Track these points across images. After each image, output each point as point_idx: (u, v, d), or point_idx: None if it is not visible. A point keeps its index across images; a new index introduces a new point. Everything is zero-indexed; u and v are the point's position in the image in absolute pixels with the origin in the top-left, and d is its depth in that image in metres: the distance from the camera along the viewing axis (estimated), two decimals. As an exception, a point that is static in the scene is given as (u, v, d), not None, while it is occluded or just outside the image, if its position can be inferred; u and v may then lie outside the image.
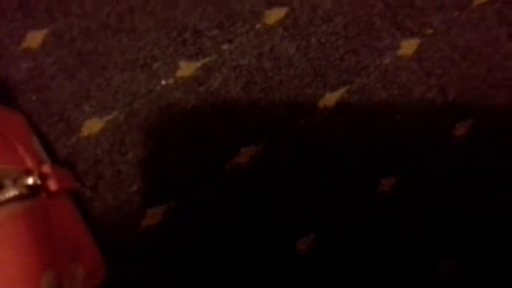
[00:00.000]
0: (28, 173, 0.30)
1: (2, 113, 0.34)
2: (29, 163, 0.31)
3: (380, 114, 0.41)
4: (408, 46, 0.43)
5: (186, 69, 0.39)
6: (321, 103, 0.41)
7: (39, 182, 0.30)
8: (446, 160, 0.42)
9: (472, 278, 0.40)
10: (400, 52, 0.43)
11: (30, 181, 0.30)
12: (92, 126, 0.37)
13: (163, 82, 0.39)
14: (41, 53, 0.38)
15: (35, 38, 0.38)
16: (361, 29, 0.42)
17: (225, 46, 0.40)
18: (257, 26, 0.41)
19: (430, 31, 0.43)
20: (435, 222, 0.40)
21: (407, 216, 0.40)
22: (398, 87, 0.42)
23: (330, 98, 0.41)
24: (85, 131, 0.37)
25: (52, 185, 0.31)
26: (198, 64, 0.40)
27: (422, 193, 0.40)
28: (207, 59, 0.40)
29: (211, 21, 0.40)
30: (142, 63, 0.39)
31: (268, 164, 0.39)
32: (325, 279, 0.38)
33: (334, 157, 0.40)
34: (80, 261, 0.33)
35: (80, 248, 0.33)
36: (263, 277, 0.37)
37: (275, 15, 0.41)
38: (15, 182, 0.29)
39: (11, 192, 0.29)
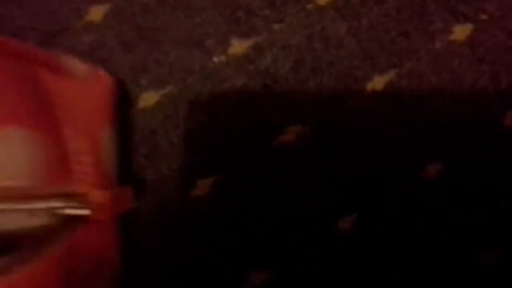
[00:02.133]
0: (71, 199, 0.22)
1: (86, 84, 0.25)
2: (89, 178, 0.23)
3: (429, 99, 0.41)
4: (461, 31, 0.43)
5: (238, 47, 0.40)
6: (370, 86, 0.41)
7: (80, 213, 0.22)
8: (493, 148, 0.41)
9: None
10: (452, 36, 0.42)
11: (67, 211, 0.22)
12: (148, 98, 0.39)
13: (215, 59, 0.40)
14: (102, 27, 0.40)
15: (97, 13, 0.40)
16: (413, 12, 0.42)
17: (276, 26, 0.41)
18: (308, 6, 0.41)
19: (484, 16, 0.42)
20: (482, 209, 0.40)
21: (452, 201, 0.40)
22: (449, 72, 0.42)
23: (379, 81, 0.41)
24: (141, 103, 0.39)
25: (101, 214, 0.23)
26: (250, 42, 0.41)
27: (468, 180, 0.40)
28: (258, 38, 0.41)
29: (264, 0, 0.41)
30: (196, 40, 0.40)
31: (314, 143, 0.40)
32: (365, 260, 0.39)
33: (381, 140, 0.40)
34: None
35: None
36: (303, 253, 0.39)
37: (327, -4, 0.42)
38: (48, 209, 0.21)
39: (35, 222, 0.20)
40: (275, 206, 0.39)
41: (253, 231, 0.38)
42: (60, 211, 0.21)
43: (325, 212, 0.39)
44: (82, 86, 0.27)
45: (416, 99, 0.41)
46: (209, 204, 0.38)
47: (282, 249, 0.38)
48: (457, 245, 0.40)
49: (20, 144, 0.21)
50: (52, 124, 0.22)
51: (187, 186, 0.38)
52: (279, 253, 0.38)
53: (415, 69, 0.41)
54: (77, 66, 0.30)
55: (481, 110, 0.42)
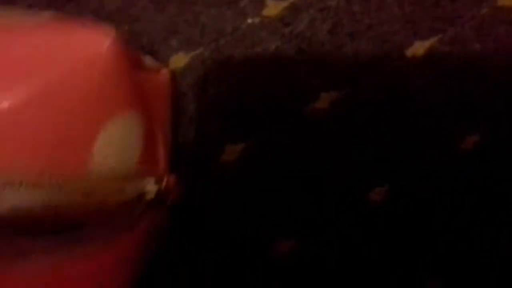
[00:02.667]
0: (157, 181, 0.23)
1: (154, 82, 0.26)
2: (161, 165, 0.24)
3: (471, 67, 0.39)
4: (509, -3, 0.40)
5: (273, 8, 0.39)
6: (410, 52, 0.39)
7: (160, 194, 0.23)
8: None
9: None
10: (500, 2, 0.40)
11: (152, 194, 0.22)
12: (178, 60, 0.38)
13: (249, 20, 0.39)
14: (133, -15, 0.39)
15: (128, -30, 0.39)
16: (459, -26, 0.39)
17: (313, -13, 0.39)
18: (348, -33, 0.39)
19: (535, -19, 0.40)
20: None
21: (490, 173, 0.38)
22: (494, 40, 0.39)
23: (420, 47, 0.39)
24: (171, 65, 0.38)
25: (170, 196, 0.24)
26: (285, 3, 0.39)
27: (508, 152, 0.38)
28: (294, -1, 0.39)
29: (300, -40, 0.39)
30: (230, 0, 0.39)
31: (348, 111, 0.38)
32: (395, 232, 0.38)
33: (418, 109, 0.38)
34: None
35: None
36: (332, 222, 0.38)
37: (369, -45, 0.39)
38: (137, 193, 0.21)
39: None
40: (305, 174, 0.38)
41: (282, 199, 0.38)
42: (149, 194, 0.23)
43: (357, 182, 0.38)
44: (154, 80, 0.29)
45: (458, 67, 0.39)
46: (238, 170, 0.37)
47: (311, 217, 0.38)
48: (492, 221, 0.38)
49: (131, 127, 0.22)
50: (147, 113, 0.24)
51: (216, 151, 0.37)
52: (308, 221, 0.38)
53: (458, 36, 0.39)
54: (149, 62, 0.32)
55: (527, 80, 0.39)
